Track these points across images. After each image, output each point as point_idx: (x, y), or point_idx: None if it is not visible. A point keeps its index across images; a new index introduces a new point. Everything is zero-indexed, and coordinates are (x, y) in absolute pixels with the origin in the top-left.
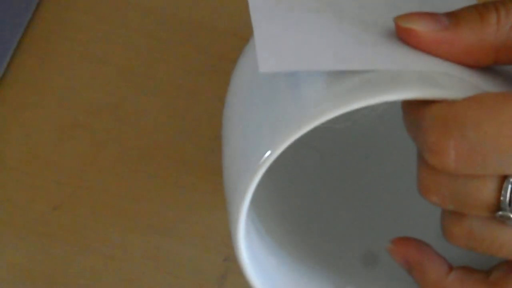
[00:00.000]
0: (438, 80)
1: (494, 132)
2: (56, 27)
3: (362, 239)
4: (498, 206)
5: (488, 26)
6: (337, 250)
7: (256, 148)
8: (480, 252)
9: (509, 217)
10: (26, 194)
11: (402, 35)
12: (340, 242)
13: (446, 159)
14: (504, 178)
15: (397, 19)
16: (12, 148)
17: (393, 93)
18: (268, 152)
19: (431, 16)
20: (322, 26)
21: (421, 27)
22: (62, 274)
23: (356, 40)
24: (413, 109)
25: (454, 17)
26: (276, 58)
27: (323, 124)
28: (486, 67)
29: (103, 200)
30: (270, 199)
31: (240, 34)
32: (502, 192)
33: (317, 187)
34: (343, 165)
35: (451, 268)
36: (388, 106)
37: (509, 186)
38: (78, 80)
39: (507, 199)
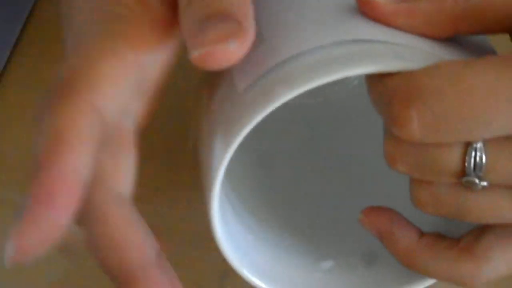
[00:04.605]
0: (399, 52)
1: (455, 101)
2: (54, 25)
3: (339, 212)
4: (463, 172)
5: None
6: (315, 225)
7: (230, 124)
8: (449, 217)
9: (474, 182)
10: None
11: (362, 7)
12: (318, 216)
13: (410, 129)
14: (467, 145)
15: None
16: (12, 148)
17: (354, 68)
18: (241, 128)
19: None
20: (282, 15)
21: None
22: (62, 274)
23: (316, 21)
24: (376, 81)
25: None
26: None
27: (294, 100)
28: (447, 38)
29: None
30: (246, 176)
31: None
32: (466, 158)
33: (293, 163)
34: (318, 140)
35: (421, 235)
36: (360, 81)
37: (473, 152)
38: None
39: (472, 164)
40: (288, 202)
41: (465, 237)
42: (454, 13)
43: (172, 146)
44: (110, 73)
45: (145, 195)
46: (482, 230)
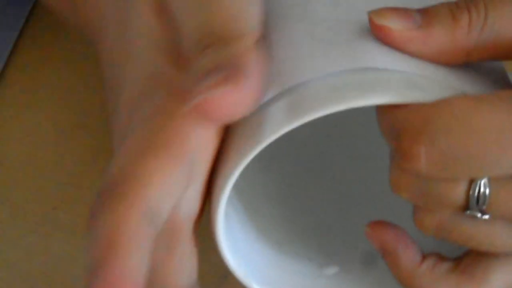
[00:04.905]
0: (410, 82)
1: (464, 140)
2: (55, 26)
3: (344, 219)
4: (466, 205)
5: (460, 28)
6: (319, 231)
7: (238, 147)
8: (450, 242)
9: (476, 216)
10: (26, 194)
11: (375, 31)
12: (322, 223)
13: (417, 164)
14: (472, 180)
15: (372, 14)
16: (12, 148)
17: (364, 99)
18: (246, 154)
19: (405, 13)
20: (291, 30)
21: (394, 25)
22: (62, 274)
23: (327, 43)
24: (386, 112)
25: (427, 15)
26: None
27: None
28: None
29: None
30: (250, 181)
31: None
32: (470, 192)
33: (298, 167)
34: (325, 150)
35: (423, 257)
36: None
37: (477, 188)
38: (77, 80)
39: (475, 199)
40: (292, 208)
41: (464, 258)
42: (467, 44)
43: None
44: (160, 168)
45: None
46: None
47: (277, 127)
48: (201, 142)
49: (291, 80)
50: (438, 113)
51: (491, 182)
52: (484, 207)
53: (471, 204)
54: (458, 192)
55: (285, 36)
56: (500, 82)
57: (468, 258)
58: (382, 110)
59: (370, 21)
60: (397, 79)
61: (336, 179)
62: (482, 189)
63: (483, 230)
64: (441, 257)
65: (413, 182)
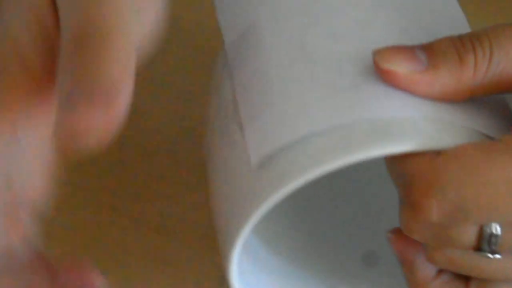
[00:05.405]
0: (418, 130)
1: (475, 192)
2: None
3: (358, 240)
4: (478, 247)
5: (467, 69)
6: (331, 252)
7: (246, 203)
8: (462, 273)
9: (487, 256)
10: None
11: (381, 74)
12: (334, 244)
13: (429, 216)
14: (483, 225)
15: (377, 58)
16: None
17: (374, 150)
18: (257, 209)
19: (411, 54)
20: (293, 79)
21: (401, 68)
22: None
23: (331, 89)
24: (396, 161)
25: (433, 56)
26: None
27: None
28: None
29: (103, 200)
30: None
31: None
32: (482, 236)
33: (305, 202)
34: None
35: (439, 272)
36: None
37: (488, 232)
38: None
39: (486, 242)
40: (303, 230)
41: (474, 280)
42: (472, 84)
43: (172, 146)
44: None
45: (145, 195)
46: None
47: (291, 182)
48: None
49: (299, 131)
50: (448, 166)
51: (501, 226)
52: (495, 248)
53: (483, 246)
54: (469, 235)
55: (284, 76)
56: (502, 109)
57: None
58: (391, 158)
59: (376, 64)
60: (406, 127)
61: (347, 207)
62: (493, 231)
63: (494, 265)
64: (455, 275)
65: (424, 227)
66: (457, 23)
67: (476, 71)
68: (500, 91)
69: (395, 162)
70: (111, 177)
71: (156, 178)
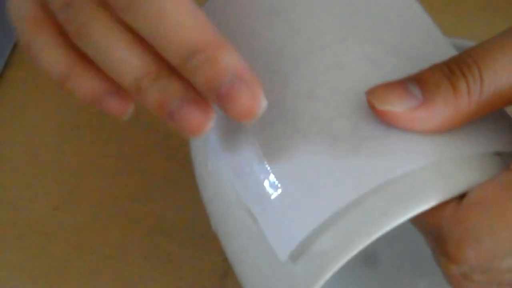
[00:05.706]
0: (435, 182)
1: (507, 233)
2: None
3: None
4: None
5: (461, 97)
6: None
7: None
8: None
9: None
10: (26, 194)
11: (380, 116)
12: None
13: (467, 265)
14: None
15: (371, 98)
16: (12, 148)
17: (404, 215)
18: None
19: (403, 90)
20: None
21: (397, 108)
22: (62, 274)
23: (329, 156)
24: (418, 216)
25: (426, 90)
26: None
27: None
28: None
29: (103, 200)
30: None
31: None
32: None
33: None
34: None
35: None
36: None
37: None
38: None
39: None
40: None
41: None
42: (468, 109)
43: (172, 145)
44: None
45: (145, 195)
46: None
47: (330, 267)
48: None
49: (322, 214)
50: (474, 213)
51: None
52: None
53: None
54: None
55: (300, 164)
56: (501, 119)
57: None
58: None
59: (371, 105)
60: (423, 183)
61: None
62: None
63: None
64: None
65: (470, 274)
66: (427, 30)
67: (470, 96)
68: (496, 109)
69: (420, 220)
70: (111, 177)
71: (155, 178)
